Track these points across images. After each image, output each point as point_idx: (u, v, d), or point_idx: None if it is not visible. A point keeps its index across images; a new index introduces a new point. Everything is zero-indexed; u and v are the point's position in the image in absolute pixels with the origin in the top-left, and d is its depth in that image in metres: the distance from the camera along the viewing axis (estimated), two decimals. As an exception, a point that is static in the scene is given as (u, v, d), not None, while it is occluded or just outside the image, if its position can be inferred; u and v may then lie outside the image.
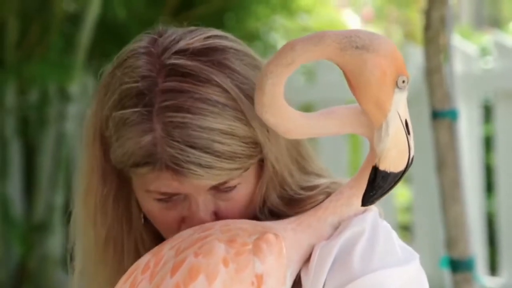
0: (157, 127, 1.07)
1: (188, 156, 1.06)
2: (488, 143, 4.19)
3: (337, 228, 1.08)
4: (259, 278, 0.98)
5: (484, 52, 4.50)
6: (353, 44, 1.00)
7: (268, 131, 1.10)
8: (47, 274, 4.27)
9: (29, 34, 4.18)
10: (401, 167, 1.02)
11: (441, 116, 2.09)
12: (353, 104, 1.06)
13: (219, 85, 1.08)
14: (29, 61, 4.14)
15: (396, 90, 1.01)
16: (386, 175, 1.02)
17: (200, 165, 1.07)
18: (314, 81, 4.27)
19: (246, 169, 1.10)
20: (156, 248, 1.04)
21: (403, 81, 1.01)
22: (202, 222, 1.09)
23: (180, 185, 1.09)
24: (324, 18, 4.84)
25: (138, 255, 1.12)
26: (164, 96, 1.07)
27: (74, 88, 4.31)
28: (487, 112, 4.22)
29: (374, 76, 1.00)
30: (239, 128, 1.08)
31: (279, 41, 4.38)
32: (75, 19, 4.25)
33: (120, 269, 1.14)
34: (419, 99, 3.88)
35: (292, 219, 1.07)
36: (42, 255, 4.25)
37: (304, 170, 1.15)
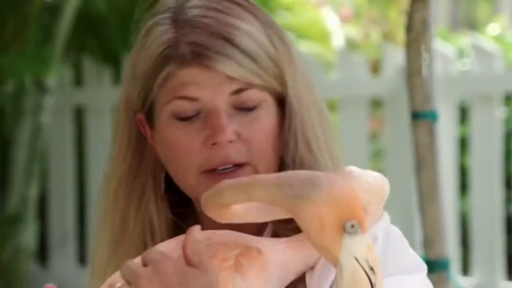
0: (181, 25, 1.09)
1: (210, 44, 1.07)
2: (463, 145, 4.23)
3: None
4: None
5: (461, 54, 4.53)
6: (285, 194, 0.93)
7: (293, 69, 1.11)
8: (20, 266, 4.24)
9: (6, 25, 4.14)
10: None
11: (421, 117, 2.10)
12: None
13: (249, 11, 1.12)
14: (5, 52, 4.10)
15: (346, 235, 0.93)
16: None
17: (222, 54, 1.07)
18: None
19: (267, 89, 1.10)
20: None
21: (352, 226, 0.93)
22: (226, 140, 1.07)
23: (200, 88, 1.07)
24: (303, 16, 4.84)
25: (143, 242, 1.10)
26: (191, 8, 1.11)
27: (51, 80, 4.28)
28: (463, 114, 4.26)
29: (311, 226, 0.93)
30: (262, 38, 1.10)
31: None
32: (53, 10, 4.22)
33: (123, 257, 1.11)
34: (398, 100, 3.90)
35: (283, 239, 1.04)
36: (16, 248, 4.22)
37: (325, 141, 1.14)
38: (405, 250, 1.11)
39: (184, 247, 0.94)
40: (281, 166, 1.12)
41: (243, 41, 1.09)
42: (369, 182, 0.99)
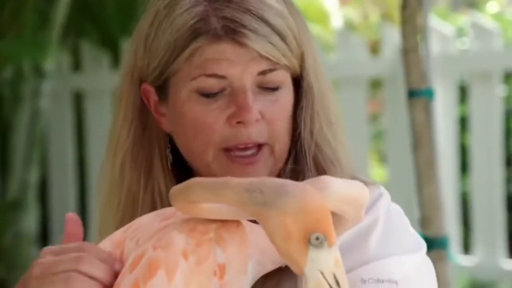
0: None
1: (243, 20, 1.06)
2: (463, 124, 4.22)
3: None
4: (222, 268, 0.95)
5: (460, 33, 4.51)
6: (254, 200, 0.91)
7: (311, 50, 1.11)
8: (21, 252, 4.25)
9: (3, 11, 4.13)
10: None
11: (417, 95, 2.09)
12: None
13: None
14: (3, 38, 4.09)
15: (311, 248, 0.91)
16: None
17: (256, 31, 1.06)
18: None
19: (290, 69, 1.09)
20: (114, 237, 1.00)
21: (317, 238, 0.90)
22: (252, 120, 1.06)
23: (230, 65, 1.06)
24: (302, -2, 4.82)
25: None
26: None
27: (49, 65, 4.28)
28: (463, 93, 4.25)
29: (277, 234, 0.91)
30: (288, 17, 1.10)
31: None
32: (50, -4, 4.21)
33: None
34: (397, 80, 3.89)
35: None
36: (17, 233, 4.23)
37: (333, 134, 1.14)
38: (405, 229, 1.11)
39: None
40: (295, 147, 1.12)
41: (275, 20, 1.08)
42: (344, 192, 0.97)
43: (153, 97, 1.13)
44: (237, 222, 0.99)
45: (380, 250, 1.07)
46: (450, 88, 4.10)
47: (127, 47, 1.16)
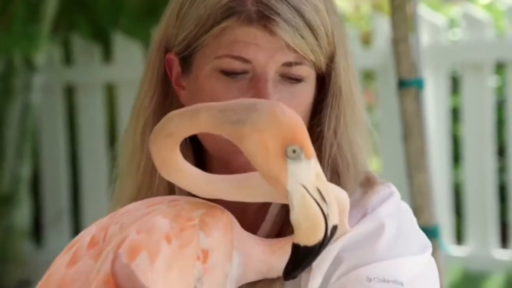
0: None
1: (278, 8, 1.05)
2: (455, 114, 4.22)
3: None
4: (205, 253, 0.95)
5: (452, 23, 4.51)
6: (228, 119, 0.93)
7: (344, 49, 1.11)
8: (13, 245, 4.25)
9: (-7, 4, 4.12)
10: (314, 240, 0.93)
11: (408, 85, 2.09)
12: None
13: None
14: (-7, 31, 4.08)
15: (289, 161, 0.92)
16: (299, 249, 0.93)
17: (288, 21, 1.05)
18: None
19: (316, 67, 1.09)
20: (101, 222, 1.00)
21: (294, 151, 0.92)
22: None
23: (257, 50, 1.05)
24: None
25: (170, 183, 1.09)
26: None
27: (39, 58, 4.26)
28: (455, 84, 4.25)
29: (255, 150, 0.92)
30: (324, 13, 1.09)
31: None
32: (40, -12, 4.20)
33: (150, 196, 1.11)
34: (389, 71, 3.89)
35: (262, 238, 1.03)
36: (9, 227, 4.23)
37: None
38: (414, 230, 1.11)
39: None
40: (318, 140, 1.11)
41: (310, 14, 1.07)
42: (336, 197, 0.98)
43: (176, 68, 1.13)
44: (221, 210, 0.99)
45: (388, 250, 1.07)
46: (442, 79, 4.10)
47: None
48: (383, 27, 4.12)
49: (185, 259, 0.93)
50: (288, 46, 1.06)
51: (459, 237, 4.15)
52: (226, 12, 1.06)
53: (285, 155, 0.92)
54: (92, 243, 0.96)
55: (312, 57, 1.08)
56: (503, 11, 4.34)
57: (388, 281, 1.05)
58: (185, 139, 1.08)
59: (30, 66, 4.24)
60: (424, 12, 4.03)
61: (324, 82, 1.12)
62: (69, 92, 4.67)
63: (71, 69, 4.62)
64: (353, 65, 1.14)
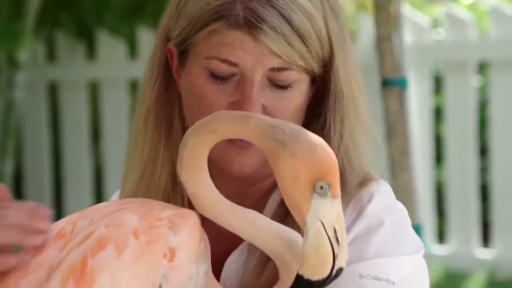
0: None
1: (265, 15, 1.06)
2: (438, 114, 4.24)
3: None
4: (172, 251, 0.96)
5: (436, 23, 4.53)
6: (274, 135, 0.96)
7: (344, 53, 1.11)
8: (-4, 243, 4.22)
9: (-23, 0, 4.09)
10: (319, 276, 0.95)
11: (391, 84, 2.09)
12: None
13: None
14: (-24, 27, 4.06)
15: (315, 195, 0.95)
16: (301, 280, 0.95)
17: (274, 29, 1.06)
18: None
19: (307, 71, 1.09)
20: (70, 217, 1.01)
21: (322, 187, 0.94)
22: (251, 110, 1.07)
23: (244, 54, 1.07)
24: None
25: (173, 170, 1.10)
26: None
27: (23, 55, 4.25)
28: (438, 83, 4.27)
29: (286, 175, 0.95)
30: (318, 19, 1.09)
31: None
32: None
33: (152, 185, 1.13)
34: (371, 69, 3.90)
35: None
36: (-9, 225, 4.20)
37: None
38: (408, 231, 1.12)
39: None
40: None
41: (299, 20, 1.08)
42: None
43: (175, 58, 1.15)
44: (191, 212, 1.00)
45: (381, 249, 1.08)
46: (425, 78, 4.12)
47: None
48: (366, 26, 4.13)
49: (152, 255, 0.95)
50: (273, 52, 1.07)
51: (441, 236, 4.18)
52: (214, 15, 1.08)
53: (312, 189, 0.95)
54: (60, 235, 0.98)
55: (301, 63, 1.09)
56: (486, 11, 4.37)
57: (380, 279, 1.06)
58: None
59: (13, 63, 4.22)
60: (407, 11, 4.05)
61: (322, 84, 1.13)
62: (53, 90, 4.65)
63: (54, 66, 4.61)
64: (355, 67, 1.15)
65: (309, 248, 0.95)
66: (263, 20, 1.07)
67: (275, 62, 1.08)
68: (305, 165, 0.94)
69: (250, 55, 1.07)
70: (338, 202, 0.95)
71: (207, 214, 1.00)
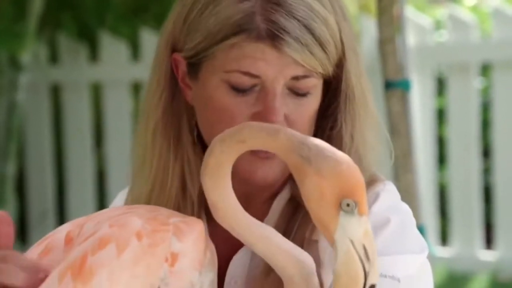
0: None
1: (288, 26, 1.06)
2: (441, 116, 4.24)
3: None
4: (174, 256, 0.96)
5: (438, 25, 4.53)
6: (301, 151, 0.95)
7: (355, 55, 1.11)
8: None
9: (-21, 2, 4.10)
10: None
11: (394, 86, 2.10)
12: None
13: None
14: (-21, 29, 4.06)
15: (342, 213, 0.94)
16: None
17: (298, 39, 1.06)
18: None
19: (324, 75, 1.10)
20: (77, 220, 1.01)
21: (348, 205, 0.94)
22: (275, 120, 1.07)
23: (265, 66, 1.07)
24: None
25: (183, 181, 1.10)
26: None
27: (25, 57, 4.25)
28: (440, 85, 4.26)
29: (311, 193, 0.95)
30: (333, 24, 1.09)
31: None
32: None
33: (163, 197, 1.13)
34: (373, 70, 3.90)
35: None
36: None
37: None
38: (413, 230, 1.13)
39: None
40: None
41: (320, 29, 1.08)
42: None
43: (182, 67, 1.14)
44: (197, 221, 1.00)
45: (387, 247, 1.09)
46: (427, 80, 4.12)
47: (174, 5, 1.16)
48: (369, 28, 4.13)
49: (153, 258, 0.95)
50: (297, 62, 1.08)
51: (444, 238, 4.17)
52: (236, 29, 1.08)
53: (339, 206, 0.94)
54: (68, 238, 0.98)
55: (320, 69, 1.10)
56: (488, 12, 4.36)
57: (385, 276, 1.07)
58: (199, 145, 1.11)
59: (16, 64, 4.22)
60: (410, 13, 4.04)
61: (331, 83, 1.14)
62: (55, 91, 4.65)
63: (57, 68, 4.61)
64: (362, 65, 1.16)
65: (340, 266, 0.94)
66: (286, 32, 1.07)
67: (297, 71, 1.09)
68: (330, 183, 0.94)
69: (272, 66, 1.08)
70: (365, 219, 0.94)
71: (225, 225, 1.00)
